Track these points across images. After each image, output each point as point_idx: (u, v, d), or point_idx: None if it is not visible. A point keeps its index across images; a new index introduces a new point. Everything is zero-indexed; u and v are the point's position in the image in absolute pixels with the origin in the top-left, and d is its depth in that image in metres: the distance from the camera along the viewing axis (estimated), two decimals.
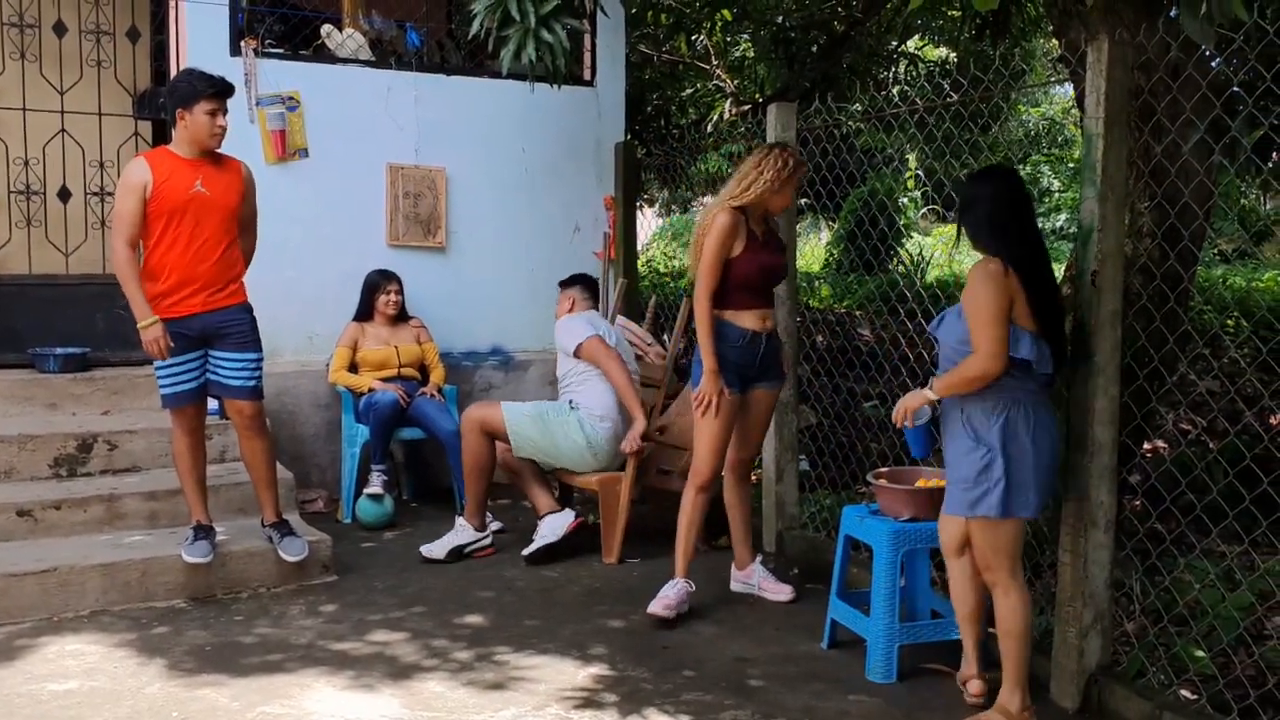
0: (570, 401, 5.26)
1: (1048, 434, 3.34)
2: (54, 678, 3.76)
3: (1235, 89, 3.73)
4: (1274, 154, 4.96)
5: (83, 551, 4.56)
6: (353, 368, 6.01)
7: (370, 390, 5.83)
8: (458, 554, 5.20)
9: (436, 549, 5.20)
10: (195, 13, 5.96)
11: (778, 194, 4.39)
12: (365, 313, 6.12)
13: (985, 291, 3.20)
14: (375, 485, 5.72)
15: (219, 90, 4.41)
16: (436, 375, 6.17)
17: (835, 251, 15.04)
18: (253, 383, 4.61)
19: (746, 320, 4.40)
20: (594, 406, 5.22)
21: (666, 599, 4.42)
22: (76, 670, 3.83)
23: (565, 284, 5.78)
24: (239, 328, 4.57)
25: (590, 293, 5.74)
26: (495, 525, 5.47)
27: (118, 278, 4.38)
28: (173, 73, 6.04)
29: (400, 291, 6.12)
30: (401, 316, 6.18)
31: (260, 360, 4.65)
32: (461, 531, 5.25)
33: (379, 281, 6.11)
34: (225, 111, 4.44)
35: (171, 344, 4.40)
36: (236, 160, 4.62)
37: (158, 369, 4.50)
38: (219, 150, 4.52)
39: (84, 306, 6.12)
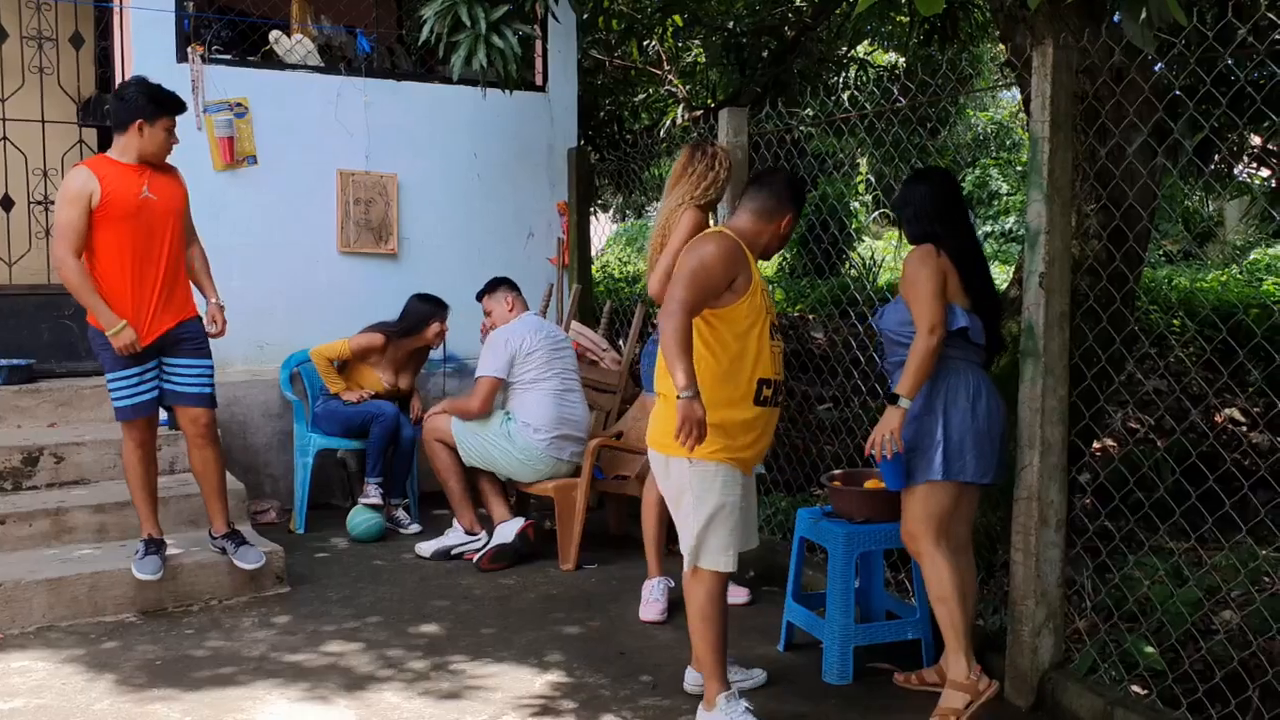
0: (506, 411, 5.31)
1: (987, 401, 3.51)
2: (0, 696, 3.69)
3: (1177, 92, 3.79)
4: (1215, 156, 5.06)
5: (29, 566, 4.48)
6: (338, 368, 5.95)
7: (344, 397, 5.82)
8: (445, 554, 5.28)
9: (425, 549, 5.33)
10: (140, 19, 5.88)
11: (722, 191, 4.41)
12: (404, 333, 5.96)
13: (921, 270, 3.48)
14: (374, 496, 5.69)
15: (180, 109, 4.42)
16: (416, 403, 6.15)
17: (788, 256, 15.12)
18: (209, 390, 4.57)
19: None
20: (527, 417, 5.24)
21: (657, 603, 4.48)
22: (23, 688, 3.76)
23: (492, 289, 5.65)
24: (193, 333, 4.53)
25: (517, 290, 5.70)
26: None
27: (71, 290, 4.29)
28: (118, 79, 5.98)
29: (445, 320, 6.05)
30: (424, 358, 6.21)
31: (213, 368, 4.60)
32: (452, 534, 5.34)
33: (436, 312, 5.98)
34: (174, 127, 4.43)
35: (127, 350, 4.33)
36: (172, 165, 4.55)
37: (113, 380, 4.40)
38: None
39: (29, 317, 6.01)
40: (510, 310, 5.52)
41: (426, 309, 5.97)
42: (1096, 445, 5.30)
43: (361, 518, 5.64)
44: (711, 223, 4.45)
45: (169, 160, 4.48)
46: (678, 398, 3.10)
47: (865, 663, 3.93)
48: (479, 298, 5.66)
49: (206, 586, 4.64)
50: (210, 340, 4.59)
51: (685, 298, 3.21)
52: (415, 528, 5.79)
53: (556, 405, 5.27)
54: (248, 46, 6.49)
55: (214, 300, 4.67)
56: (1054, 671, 3.63)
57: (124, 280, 4.32)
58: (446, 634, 4.32)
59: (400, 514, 5.84)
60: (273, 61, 6.40)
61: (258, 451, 6.15)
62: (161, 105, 4.34)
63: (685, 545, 3.40)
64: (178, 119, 4.42)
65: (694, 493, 3.35)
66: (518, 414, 5.27)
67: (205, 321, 4.62)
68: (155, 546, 4.54)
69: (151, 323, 4.38)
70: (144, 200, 4.33)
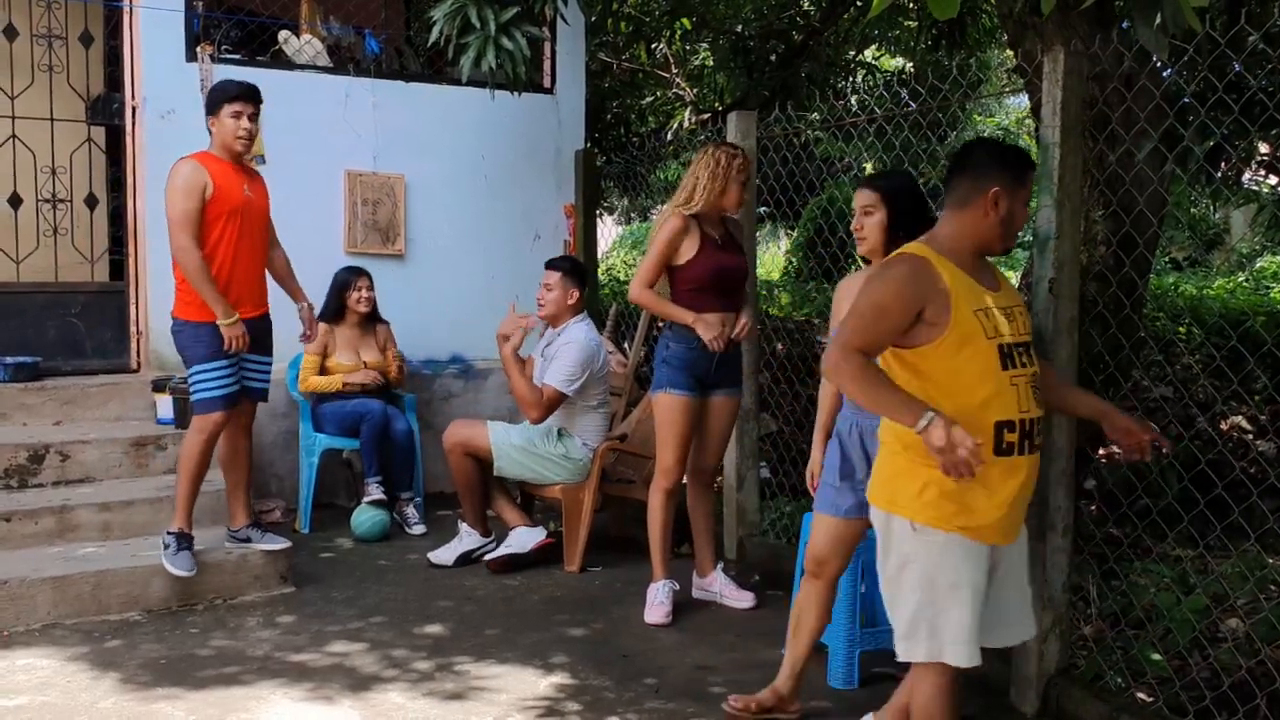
0: (560, 430, 5.23)
1: None
2: (4, 693, 3.68)
3: (1188, 99, 3.79)
4: (1224, 163, 5.06)
5: (33, 564, 4.48)
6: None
7: (345, 386, 5.81)
8: (465, 559, 5.22)
9: (445, 555, 5.23)
10: (150, 18, 5.89)
11: (724, 194, 4.41)
12: (334, 313, 5.99)
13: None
14: (376, 494, 5.68)
15: (243, 94, 4.54)
16: (396, 377, 6.13)
17: (795, 259, 15.11)
18: (269, 384, 4.84)
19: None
20: (587, 438, 5.24)
21: (662, 606, 4.49)
22: (28, 685, 3.76)
23: (565, 272, 5.29)
24: (269, 331, 4.77)
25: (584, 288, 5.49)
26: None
27: (190, 279, 4.42)
28: (127, 78, 5.99)
29: (371, 288, 6.04)
30: (373, 317, 6.12)
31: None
32: (467, 538, 5.27)
33: (349, 279, 6.01)
34: (255, 116, 4.59)
35: (225, 347, 4.48)
36: (258, 172, 4.82)
37: (205, 371, 4.48)
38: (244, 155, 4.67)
39: (35, 315, 6.02)
40: (571, 304, 5.25)
41: (340, 279, 6.01)
42: (1103, 451, 5.29)
43: (365, 516, 5.64)
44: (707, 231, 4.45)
45: (181, 156, 4.55)
46: (919, 432, 2.51)
47: (870, 668, 3.92)
48: (552, 265, 5.35)
49: (211, 585, 4.64)
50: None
51: (851, 341, 2.64)
52: (420, 529, 5.77)
53: (606, 423, 5.34)
54: (257, 46, 6.49)
55: (305, 303, 4.97)
56: (1059, 677, 3.62)
57: (233, 272, 4.53)
58: (451, 635, 4.31)
59: (410, 510, 5.81)
60: (281, 62, 6.40)
61: (263, 451, 6.13)
62: (224, 93, 4.55)
63: (899, 628, 2.81)
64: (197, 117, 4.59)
65: (920, 566, 2.72)
66: (577, 433, 5.23)
67: (304, 322, 4.98)
68: (187, 541, 4.56)
69: (252, 314, 4.62)
70: (246, 198, 4.55)
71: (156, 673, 3.88)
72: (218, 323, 4.43)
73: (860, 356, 2.62)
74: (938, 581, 2.69)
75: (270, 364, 4.80)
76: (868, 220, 3.46)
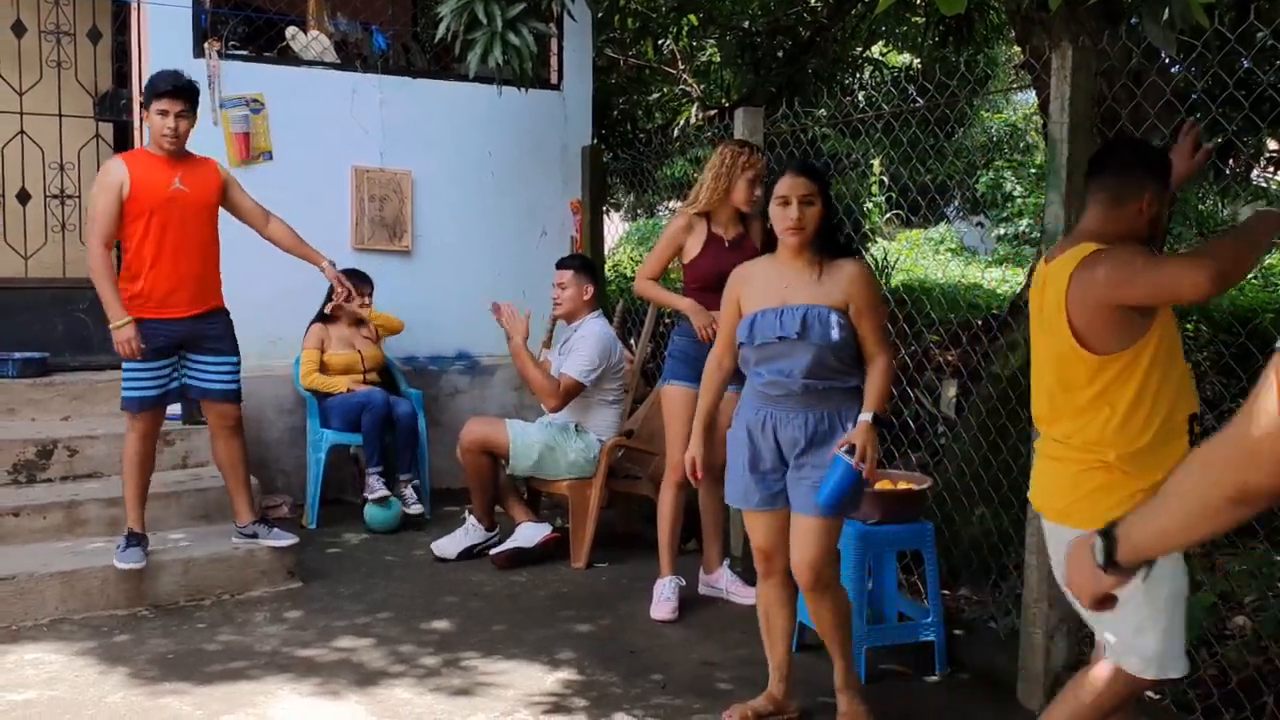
0: (576, 425, 5.24)
1: None
2: (13, 687, 3.70)
3: (1197, 95, 3.78)
4: (1232, 159, 5.04)
5: (42, 559, 4.49)
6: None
7: (349, 391, 5.80)
8: (469, 553, 5.24)
9: (449, 548, 5.24)
10: (158, 14, 5.89)
11: (732, 191, 4.43)
12: (330, 311, 6.03)
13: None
14: (379, 489, 5.68)
15: (169, 91, 4.35)
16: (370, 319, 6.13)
17: None
18: (234, 386, 4.65)
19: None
20: (601, 432, 5.26)
21: (669, 602, 4.50)
22: (36, 680, 3.77)
23: (579, 270, 5.34)
24: (218, 331, 4.59)
25: (598, 285, 5.54)
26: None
27: (92, 277, 4.36)
28: (134, 74, 5.99)
29: (372, 293, 6.08)
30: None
31: (239, 363, 4.67)
32: (473, 532, 5.28)
33: (354, 284, 6.00)
34: (184, 114, 4.40)
35: (144, 345, 4.36)
36: (211, 159, 4.67)
37: (128, 371, 4.44)
38: (192, 151, 4.54)
39: (43, 311, 6.03)
40: (586, 300, 5.31)
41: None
42: None
43: (377, 510, 5.69)
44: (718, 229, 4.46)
45: (205, 154, 4.54)
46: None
47: (877, 665, 3.92)
48: (563, 265, 5.40)
49: (219, 581, 4.65)
50: (234, 334, 4.67)
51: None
52: (418, 508, 5.76)
53: (620, 418, 5.36)
54: (264, 42, 6.50)
55: (325, 261, 4.81)
56: (1067, 674, 3.60)
57: (157, 271, 4.39)
58: (458, 630, 4.32)
59: (408, 492, 5.79)
60: (289, 58, 6.41)
61: (270, 446, 6.16)
62: (154, 87, 4.37)
63: (1133, 648, 2.57)
64: (195, 112, 4.47)
65: (1142, 588, 2.33)
66: (592, 429, 5.25)
67: (332, 281, 4.83)
68: (137, 540, 4.52)
69: (185, 314, 4.46)
70: (174, 192, 4.40)
71: (164, 667, 3.89)
72: (110, 324, 4.34)
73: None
74: (1177, 592, 2.57)
75: (229, 363, 4.61)
76: (809, 210, 3.24)
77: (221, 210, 4.67)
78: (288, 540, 4.76)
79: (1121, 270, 2.50)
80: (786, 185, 3.25)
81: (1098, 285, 2.51)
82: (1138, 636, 2.54)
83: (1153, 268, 2.49)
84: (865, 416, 3.18)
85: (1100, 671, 2.64)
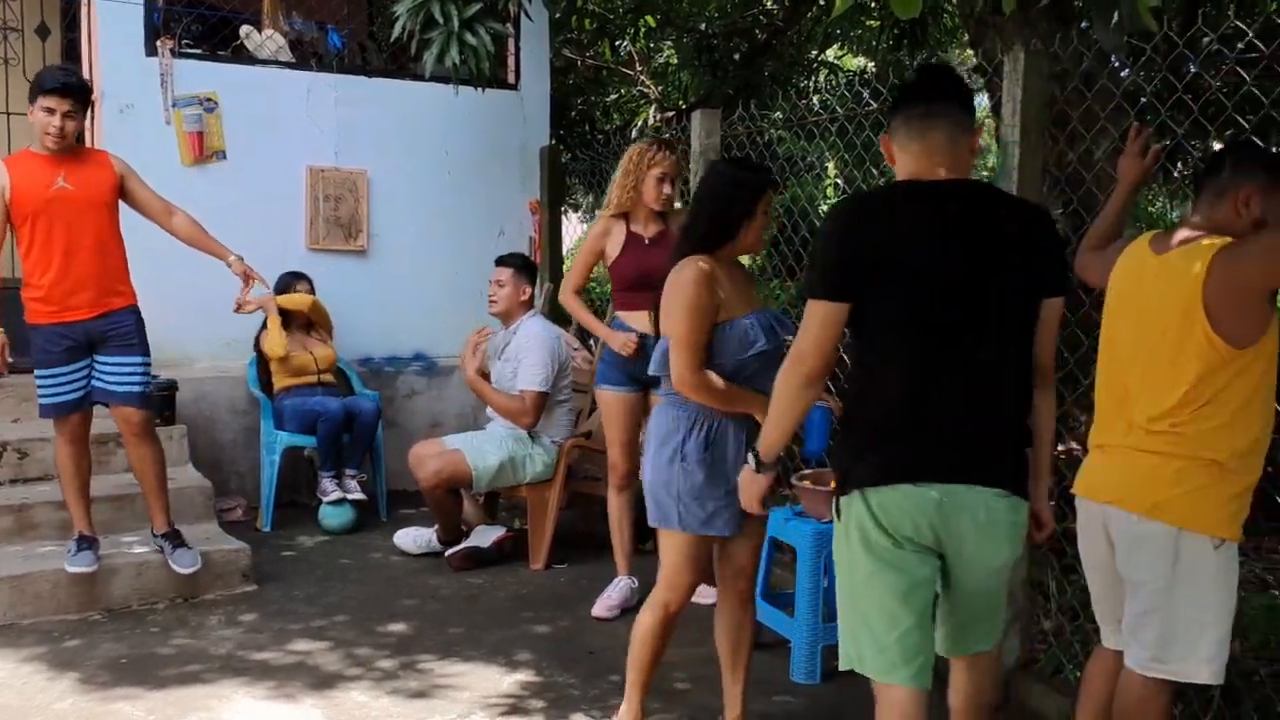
0: (531, 432, 5.21)
1: None
2: None
3: (1146, 99, 3.83)
4: (1180, 163, 5.12)
5: None
6: (267, 373, 5.89)
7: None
8: (424, 550, 5.27)
9: (409, 544, 5.28)
10: (108, 10, 5.82)
11: (638, 189, 4.44)
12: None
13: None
14: (334, 492, 5.63)
15: (57, 88, 4.14)
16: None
17: (759, 257, 15.12)
18: (139, 388, 4.43)
19: (634, 320, 4.43)
20: (554, 434, 5.24)
21: (609, 599, 4.50)
22: None
23: (517, 268, 5.33)
24: (123, 330, 4.38)
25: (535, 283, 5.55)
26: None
27: None
28: (84, 72, 5.90)
29: (311, 291, 6.02)
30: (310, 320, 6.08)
31: (147, 364, 4.46)
32: (435, 540, 5.27)
33: (290, 282, 6.00)
34: (71, 114, 4.17)
35: (11, 360, 4.27)
36: (103, 152, 4.44)
37: (39, 378, 4.32)
38: (85, 146, 4.37)
39: None
40: (522, 300, 5.31)
41: (281, 284, 5.92)
42: (1062, 448, 5.35)
43: (332, 511, 5.65)
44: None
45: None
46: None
47: (833, 663, 3.94)
48: (503, 262, 5.39)
49: (173, 584, 4.59)
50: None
51: None
52: (358, 494, 5.66)
53: (573, 418, 5.35)
54: (218, 41, 6.43)
55: (232, 256, 4.59)
56: (1020, 672, 3.65)
57: (53, 274, 4.21)
58: (414, 633, 4.30)
59: (351, 484, 5.71)
60: (243, 57, 6.35)
61: (224, 448, 6.09)
62: (39, 85, 4.18)
63: (1205, 650, 2.60)
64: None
65: (1224, 587, 2.59)
66: (546, 432, 5.23)
67: (240, 277, 4.59)
68: (88, 543, 4.44)
69: (85, 315, 4.29)
70: (58, 192, 4.19)
71: (116, 672, 3.84)
72: None
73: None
74: (1234, 599, 2.61)
75: (133, 365, 4.39)
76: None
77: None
78: (188, 569, 4.49)
79: (1275, 252, 2.49)
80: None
81: (1252, 271, 2.49)
82: (1201, 638, 2.57)
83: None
84: None
85: (1141, 692, 2.67)
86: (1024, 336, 2.44)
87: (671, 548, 3.14)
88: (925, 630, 2.45)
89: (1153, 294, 2.67)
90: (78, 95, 4.21)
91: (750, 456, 2.70)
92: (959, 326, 2.35)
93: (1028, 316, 2.43)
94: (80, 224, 4.25)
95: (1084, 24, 4.03)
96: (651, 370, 3.14)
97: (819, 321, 2.38)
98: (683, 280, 3.00)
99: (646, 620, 3.21)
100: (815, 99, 9.24)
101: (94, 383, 4.40)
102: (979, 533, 2.38)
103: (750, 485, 2.76)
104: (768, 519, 3.26)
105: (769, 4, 9.64)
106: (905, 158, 2.46)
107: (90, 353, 4.37)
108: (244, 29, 6.41)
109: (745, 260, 3.50)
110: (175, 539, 4.56)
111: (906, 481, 2.36)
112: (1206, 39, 3.53)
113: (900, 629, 2.41)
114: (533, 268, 5.49)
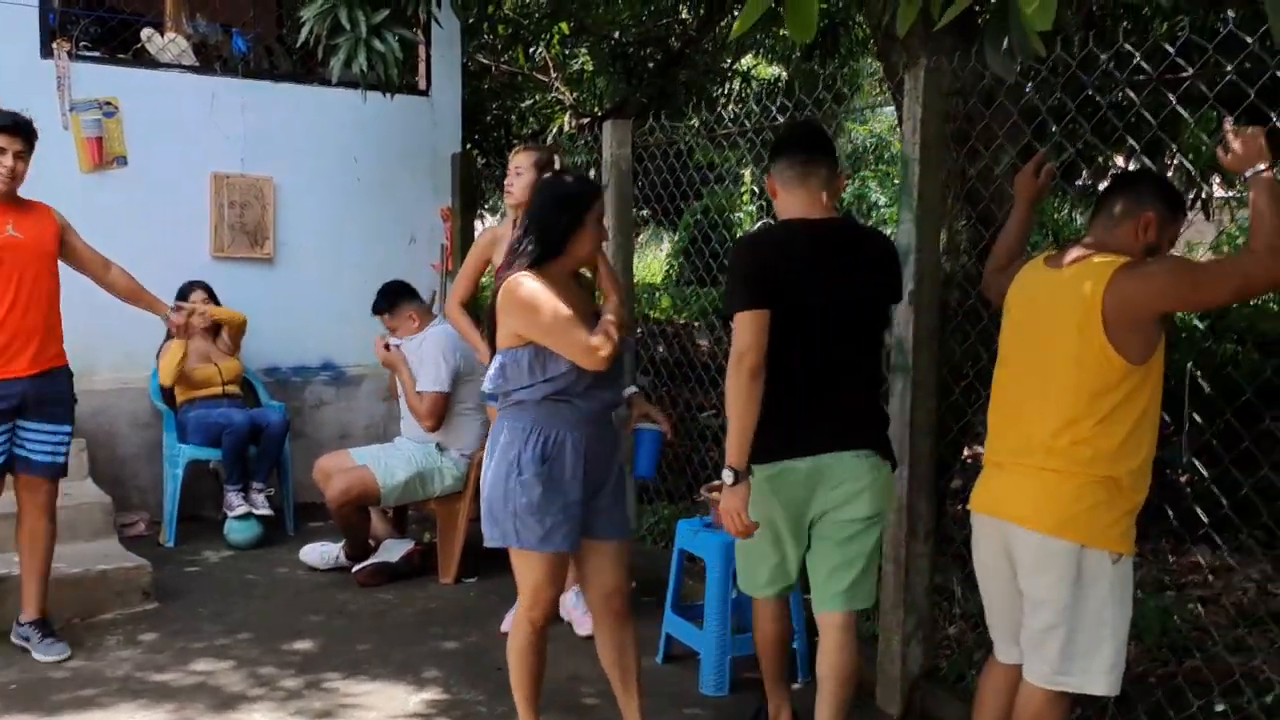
0: (438, 444, 5.16)
1: None
2: None
3: (1044, 116, 3.91)
4: (1078, 176, 5.26)
5: None
6: (171, 388, 5.75)
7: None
8: (330, 566, 5.21)
9: (315, 559, 5.22)
10: (1, 11, 5.64)
11: (517, 202, 4.36)
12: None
13: None
14: (240, 506, 5.52)
15: (8, 127, 3.94)
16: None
17: (675, 264, 15.20)
18: (61, 459, 4.15)
19: None
20: (463, 446, 5.18)
21: (511, 616, 4.43)
22: None
23: (393, 304, 5.38)
24: (59, 395, 4.14)
25: (419, 300, 5.56)
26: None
27: None
28: None
29: (211, 299, 5.88)
30: (217, 329, 5.95)
31: (70, 436, 4.20)
32: (343, 556, 5.19)
33: (187, 291, 5.81)
34: (22, 155, 3.98)
35: None
36: (44, 204, 4.20)
37: None
38: (25, 197, 4.11)
39: None
40: (414, 326, 5.31)
41: (182, 293, 5.72)
42: (967, 453, 5.45)
43: (238, 525, 5.54)
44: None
45: (37, 157, 4.18)
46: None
47: (742, 673, 3.97)
48: (378, 311, 5.40)
49: (69, 603, 4.46)
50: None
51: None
52: (265, 510, 5.60)
53: (482, 429, 5.21)
54: (118, 44, 6.28)
55: (166, 310, 4.49)
56: (923, 680, 3.71)
57: None
58: (320, 651, 4.23)
59: (258, 498, 5.63)
60: (145, 60, 6.20)
61: (125, 462, 5.94)
62: None
63: (1101, 663, 2.68)
64: (40, 118, 4.19)
65: (1121, 600, 2.67)
66: (453, 445, 5.17)
67: (178, 315, 4.53)
68: (46, 627, 4.17)
69: (25, 372, 4.02)
70: (7, 239, 3.97)
71: (5, 699, 3.72)
72: None
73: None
74: (1129, 611, 2.69)
75: (62, 434, 4.12)
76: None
77: (78, 220, 4.38)
78: (55, 657, 4.08)
79: (1180, 274, 2.57)
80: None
81: (1153, 289, 2.56)
82: (1100, 650, 2.65)
83: (1214, 264, 2.73)
84: (633, 389, 3.42)
85: (1041, 705, 2.74)
86: (876, 335, 3.19)
87: (526, 567, 3.13)
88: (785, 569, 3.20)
89: (1047, 310, 2.73)
90: (25, 134, 3.99)
91: (726, 473, 2.91)
92: (830, 333, 3.00)
93: (878, 320, 3.20)
94: (30, 274, 4.02)
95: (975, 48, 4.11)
96: (486, 388, 3.24)
97: (748, 327, 2.89)
98: (523, 290, 2.98)
99: (518, 640, 3.24)
100: (729, 109, 9.32)
101: (16, 449, 4.07)
102: (840, 490, 3.02)
103: (730, 499, 2.93)
104: (627, 535, 3.26)
105: (683, 13, 9.69)
106: (790, 198, 3.08)
107: (16, 417, 4.05)
108: (146, 31, 6.26)
109: (658, 270, 3.56)
110: (45, 628, 4.18)
111: (786, 459, 3.01)
112: (1103, 56, 3.61)
113: (769, 565, 3.18)
114: (405, 293, 5.45)
